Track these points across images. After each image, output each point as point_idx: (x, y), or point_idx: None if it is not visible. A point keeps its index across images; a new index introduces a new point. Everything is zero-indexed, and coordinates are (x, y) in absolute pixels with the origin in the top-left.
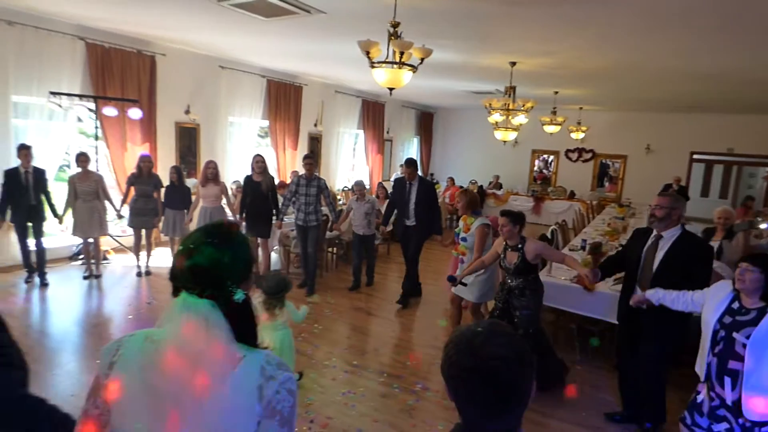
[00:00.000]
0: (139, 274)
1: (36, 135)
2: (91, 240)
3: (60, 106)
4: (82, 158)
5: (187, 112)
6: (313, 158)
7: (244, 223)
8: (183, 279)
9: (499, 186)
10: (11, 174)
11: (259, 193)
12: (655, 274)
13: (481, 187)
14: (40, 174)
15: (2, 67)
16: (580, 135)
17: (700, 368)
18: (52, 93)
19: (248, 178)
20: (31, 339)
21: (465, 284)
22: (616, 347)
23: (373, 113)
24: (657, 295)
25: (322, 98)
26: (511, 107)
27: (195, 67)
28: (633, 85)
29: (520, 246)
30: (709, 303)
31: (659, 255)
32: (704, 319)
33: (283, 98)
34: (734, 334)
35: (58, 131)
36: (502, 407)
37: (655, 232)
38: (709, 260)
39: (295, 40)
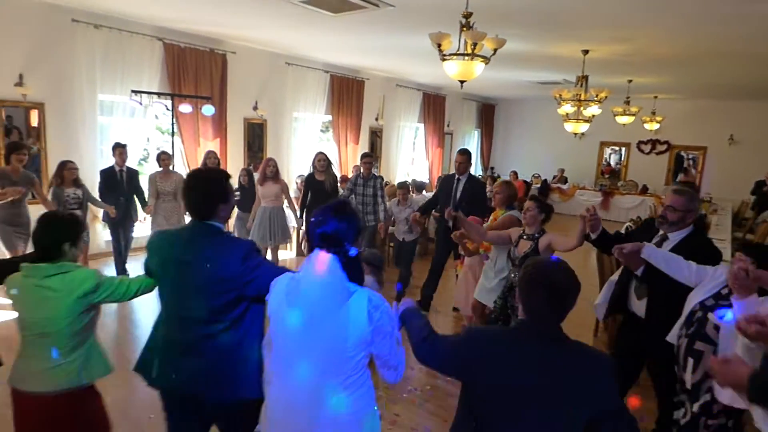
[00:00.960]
0: None
1: (118, 131)
2: None
3: (140, 103)
4: (164, 157)
5: (255, 108)
6: (372, 157)
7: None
8: (315, 241)
9: (565, 180)
10: (108, 174)
11: (321, 192)
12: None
13: (545, 181)
14: (133, 173)
15: (90, 68)
16: (655, 126)
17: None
18: (134, 91)
19: (310, 177)
20: (124, 329)
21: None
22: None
23: (433, 106)
24: (651, 250)
25: (384, 92)
26: (582, 98)
27: (263, 64)
28: (715, 71)
29: (536, 235)
30: (704, 283)
31: None
32: (689, 297)
33: (346, 93)
34: (708, 314)
35: (138, 127)
36: (556, 308)
37: (661, 232)
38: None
39: (360, 34)
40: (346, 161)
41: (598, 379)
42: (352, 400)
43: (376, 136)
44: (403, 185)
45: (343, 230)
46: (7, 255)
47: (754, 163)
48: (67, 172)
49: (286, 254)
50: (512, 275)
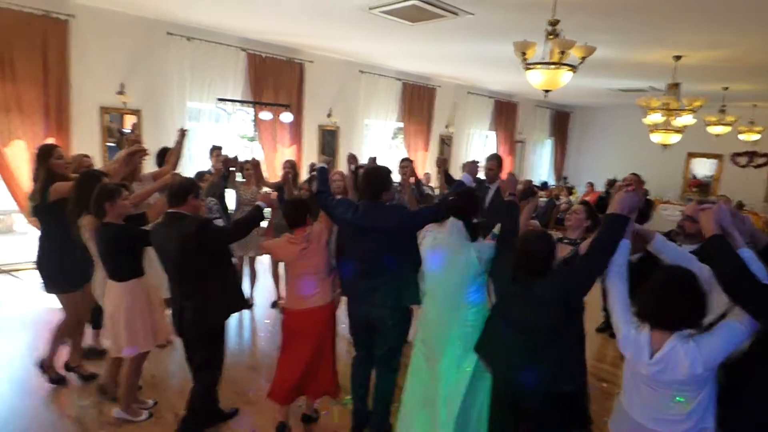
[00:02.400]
0: (273, 304)
1: (204, 137)
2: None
3: (225, 111)
4: (247, 167)
5: (329, 115)
6: (411, 161)
7: None
8: (449, 214)
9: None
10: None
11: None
12: None
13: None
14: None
15: (181, 77)
16: (753, 137)
17: None
18: (219, 99)
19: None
20: None
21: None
22: None
23: (505, 114)
24: (662, 244)
25: (455, 99)
26: (673, 107)
27: (338, 73)
28: None
29: (579, 241)
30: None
31: None
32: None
33: (417, 100)
34: None
35: (222, 133)
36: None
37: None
38: None
39: (436, 42)
40: (415, 168)
41: None
42: (471, 312)
43: (444, 143)
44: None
45: (467, 208)
46: None
47: None
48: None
49: None
50: None
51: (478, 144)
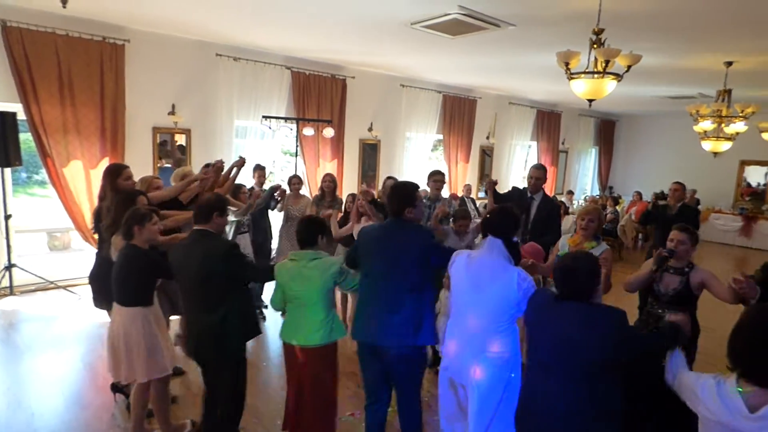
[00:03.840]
0: None
1: (250, 152)
2: None
3: (270, 128)
4: (295, 181)
5: (370, 129)
6: (443, 174)
7: None
8: (491, 232)
9: (697, 202)
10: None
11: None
12: None
13: (690, 206)
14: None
15: (229, 97)
16: None
17: None
18: (264, 117)
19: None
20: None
21: None
22: None
23: (548, 123)
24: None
25: (496, 110)
26: (724, 113)
27: (379, 87)
28: None
29: (686, 270)
30: None
31: None
32: None
33: (458, 112)
34: None
35: (267, 149)
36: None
37: None
38: None
39: (478, 55)
40: (455, 180)
41: None
42: (502, 342)
43: (485, 154)
44: (464, 214)
45: (508, 227)
46: None
47: None
48: (242, 196)
49: None
50: (658, 311)
51: (520, 155)
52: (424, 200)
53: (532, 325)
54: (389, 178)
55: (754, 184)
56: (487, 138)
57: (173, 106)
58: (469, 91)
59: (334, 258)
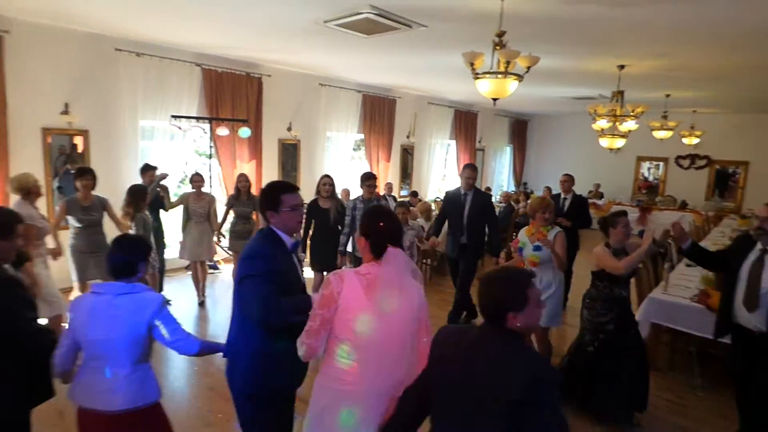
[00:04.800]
0: None
1: (158, 155)
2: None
3: (180, 128)
4: (197, 178)
5: (290, 129)
6: (374, 179)
7: (305, 255)
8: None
9: (600, 195)
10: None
11: (326, 220)
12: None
13: (580, 196)
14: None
15: (132, 95)
16: (694, 140)
17: None
18: (173, 116)
19: (313, 204)
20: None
21: None
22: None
23: (465, 123)
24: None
25: (415, 110)
26: (618, 113)
27: (297, 86)
28: (756, 85)
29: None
30: None
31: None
32: None
33: (378, 112)
34: None
35: (177, 151)
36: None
37: (760, 245)
38: None
39: (393, 54)
40: (377, 179)
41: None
42: None
43: (407, 153)
44: (402, 204)
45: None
46: (77, 284)
47: None
48: (240, 185)
49: None
50: (624, 293)
51: (440, 153)
52: (358, 203)
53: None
54: (326, 176)
55: (650, 178)
56: (408, 137)
57: (66, 105)
58: (388, 90)
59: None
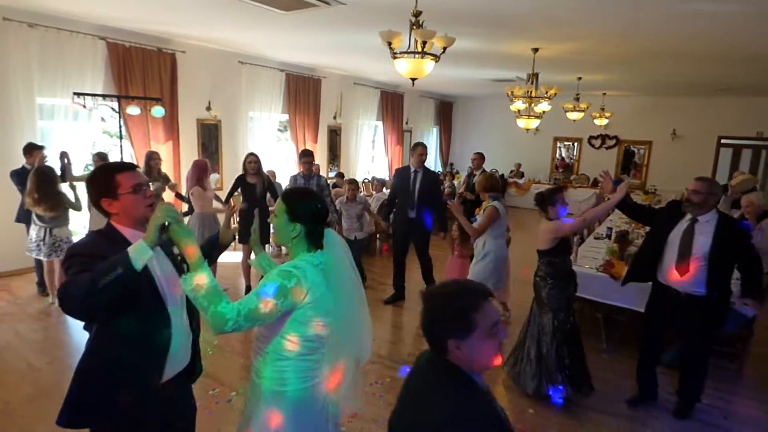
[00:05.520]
0: None
1: (61, 136)
2: None
3: (84, 106)
4: (96, 159)
5: (209, 108)
6: (311, 156)
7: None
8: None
9: (521, 174)
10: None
11: (252, 194)
12: (710, 263)
13: (503, 175)
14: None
15: (26, 70)
16: (604, 121)
17: None
18: (76, 94)
19: (241, 177)
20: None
21: None
22: (641, 339)
23: (392, 104)
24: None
25: (341, 90)
26: (533, 95)
27: (215, 64)
28: (659, 69)
29: None
30: None
31: (699, 240)
32: None
33: (302, 92)
34: None
35: (83, 131)
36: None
37: (689, 216)
38: (753, 246)
39: (313, 32)
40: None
41: None
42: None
43: (335, 134)
44: (352, 181)
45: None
46: None
47: (695, 156)
48: (152, 162)
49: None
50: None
51: (367, 134)
52: (299, 178)
53: None
54: (251, 154)
55: (566, 158)
56: (335, 118)
57: None
58: (312, 70)
59: None
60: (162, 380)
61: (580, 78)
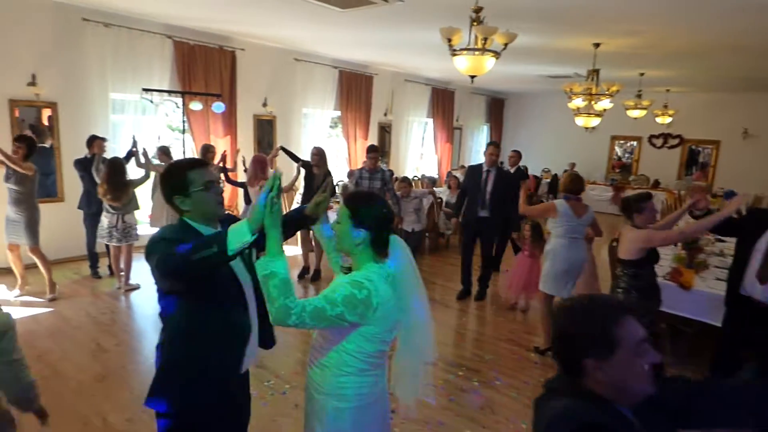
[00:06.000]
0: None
1: (130, 129)
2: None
3: (152, 101)
4: (159, 153)
5: (264, 104)
6: (377, 151)
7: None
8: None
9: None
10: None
11: (313, 185)
12: None
13: (555, 176)
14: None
15: (102, 67)
16: (667, 119)
17: None
18: (145, 90)
19: (309, 166)
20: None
21: None
22: (715, 353)
23: (442, 101)
24: None
25: (392, 87)
26: (594, 91)
27: (271, 61)
28: (728, 64)
29: None
30: None
31: None
32: None
33: (354, 88)
34: None
35: (150, 125)
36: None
37: None
38: None
39: (369, 30)
40: (354, 157)
41: None
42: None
43: (384, 131)
44: (405, 179)
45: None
46: None
47: None
48: (208, 155)
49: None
50: None
51: (417, 131)
52: (364, 172)
53: None
54: (315, 147)
55: (623, 157)
56: (385, 115)
57: (33, 76)
58: (365, 67)
59: None
60: (242, 369)
61: (642, 74)
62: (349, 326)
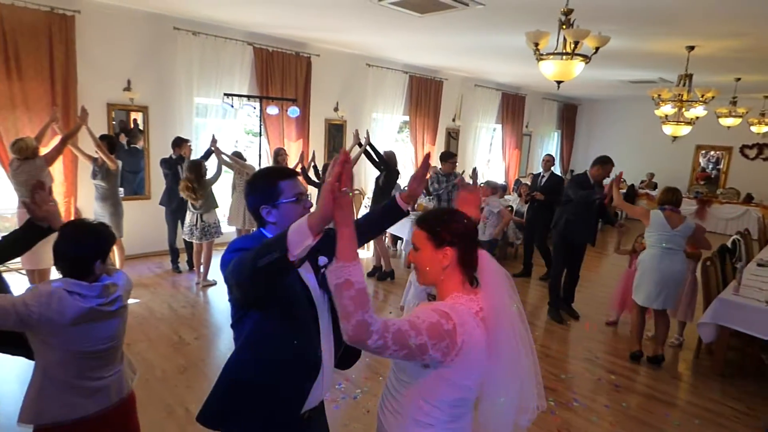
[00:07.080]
0: None
1: (211, 132)
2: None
3: (232, 106)
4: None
5: (336, 109)
6: (455, 156)
7: None
8: None
9: (654, 186)
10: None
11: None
12: None
13: (632, 186)
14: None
15: (189, 73)
16: (764, 129)
17: None
18: (226, 94)
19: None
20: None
21: None
22: None
23: (512, 106)
24: None
25: (462, 92)
26: (685, 98)
27: (344, 66)
28: None
29: None
30: None
31: None
32: None
33: (424, 93)
34: None
35: (229, 129)
36: None
37: None
38: None
39: (445, 34)
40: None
41: None
42: None
43: (451, 136)
44: (488, 183)
45: None
46: None
47: None
48: (279, 158)
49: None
50: None
51: (485, 137)
52: (440, 175)
53: None
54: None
55: (708, 168)
56: (453, 120)
57: (129, 82)
58: (435, 72)
59: None
60: (303, 409)
61: (738, 79)
62: (428, 365)
